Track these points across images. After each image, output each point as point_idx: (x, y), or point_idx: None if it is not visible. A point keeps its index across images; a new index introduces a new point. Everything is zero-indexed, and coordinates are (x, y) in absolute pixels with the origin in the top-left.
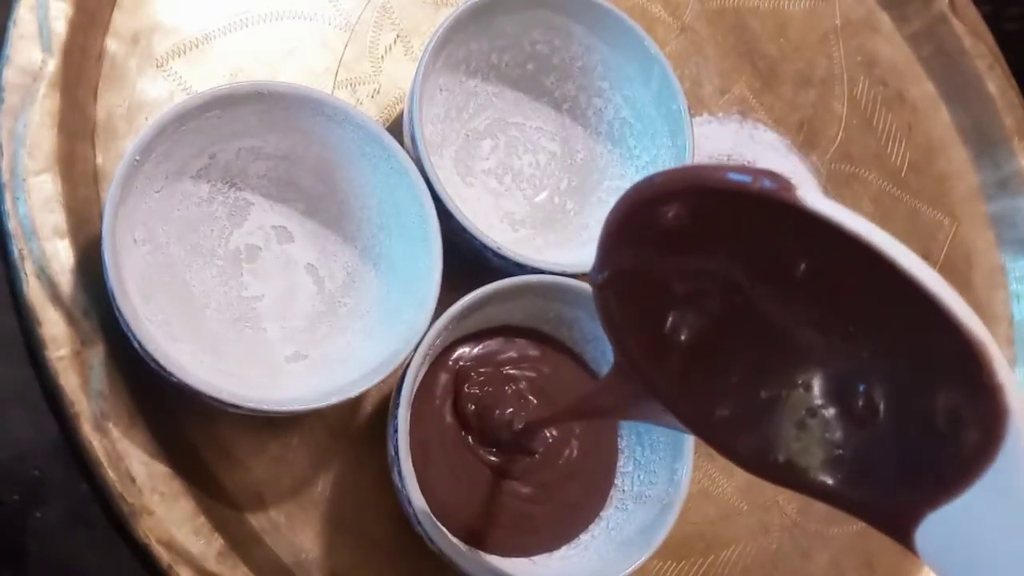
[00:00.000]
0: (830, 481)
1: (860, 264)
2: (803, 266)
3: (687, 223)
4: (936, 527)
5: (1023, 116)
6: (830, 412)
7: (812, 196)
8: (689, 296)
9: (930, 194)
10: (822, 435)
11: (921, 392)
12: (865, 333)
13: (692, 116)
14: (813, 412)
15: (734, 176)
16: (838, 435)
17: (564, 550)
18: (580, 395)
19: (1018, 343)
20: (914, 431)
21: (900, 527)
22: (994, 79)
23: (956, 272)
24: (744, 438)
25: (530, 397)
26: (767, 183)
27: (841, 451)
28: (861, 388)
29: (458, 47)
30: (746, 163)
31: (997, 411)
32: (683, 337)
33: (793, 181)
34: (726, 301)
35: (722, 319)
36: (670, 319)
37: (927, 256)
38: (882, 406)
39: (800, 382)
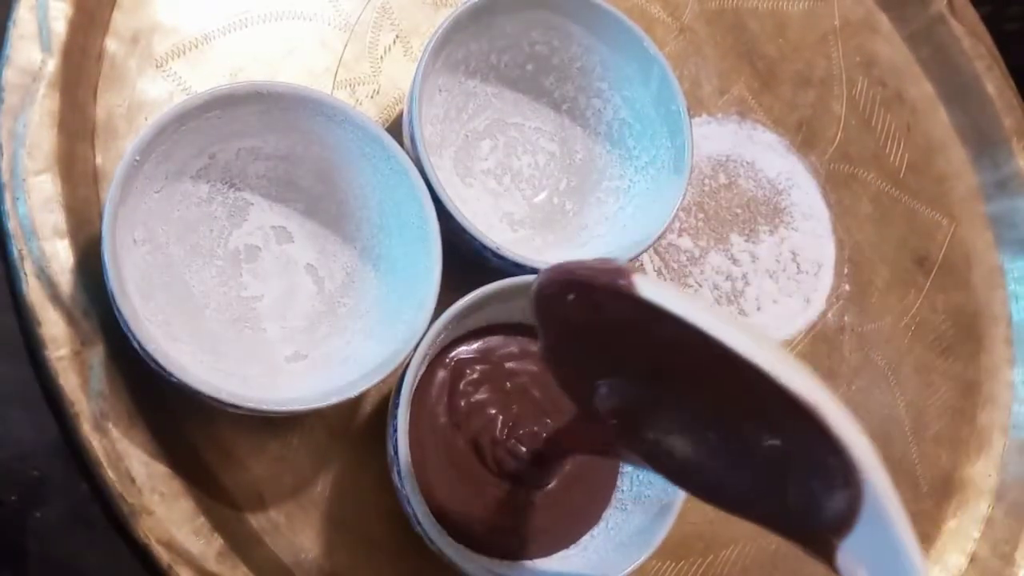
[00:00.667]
0: (762, 517)
1: (705, 343)
2: (665, 344)
3: (585, 312)
4: (847, 555)
5: (1022, 116)
6: (738, 464)
7: (645, 285)
8: (604, 369)
9: (929, 194)
10: (740, 481)
11: (796, 449)
12: (737, 402)
13: (691, 117)
14: (724, 463)
15: (583, 272)
16: (749, 481)
17: (564, 550)
18: (557, 429)
19: (1017, 343)
20: (802, 478)
21: (823, 555)
22: (993, 80)
23: (955, 272)
24: (684, 481)
25: (533, 392)
26: (608, 277)
27: (757, 494)
28: (760, 444)
29: (457, 47)
30: (744, 163)
31: (849, 464)
32: (607, 405)
33: (633, 273)
34: (629, 373)
35: (630, 388)
36: (593, 387)
37: (926, 257)
38: (774, 460)
39: (703, 438)
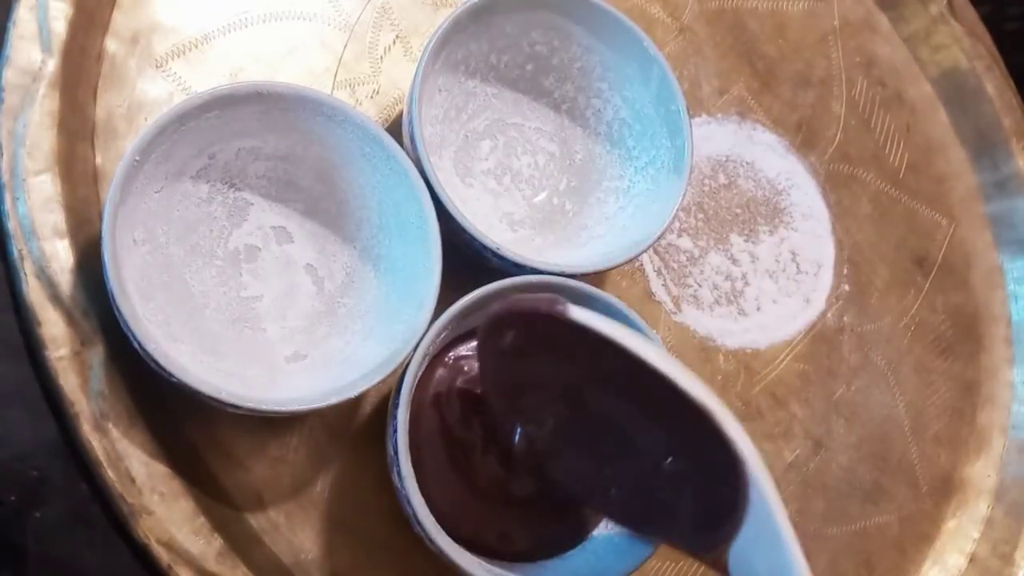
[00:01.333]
0: (663, 533)
1: (626, 360)
2: (587, 364)
3: (524, 341)
4: (737, 556)
5: (1021, 117)
6: (641, 488)
7: (574, 310)
8: (526, 411)
9: (928, 194)
10: (649, 496)
11: (691, 462)
12: (650, 412)
13: (691, 117)
14: (629, 490)
15: (525, 303)
16: (656, 495)
17: (564, 551)
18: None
19: (1016, 344)
20: (697, 490)
21: (715, 560)
22: (992, 80)
23: (954, 273)
24: (600, 503)
25: None
26: (546, 304)
27: (658, 507)
28: (666, 462)
29: (457, 48)
30: (744, 163)
31: (736, 460)
32: (520, 448)
33: (566, 303)
34: (548, 410)
35: (562, 414)
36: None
37: (925, 257)
38: (672, 477)
39: (620, 458)
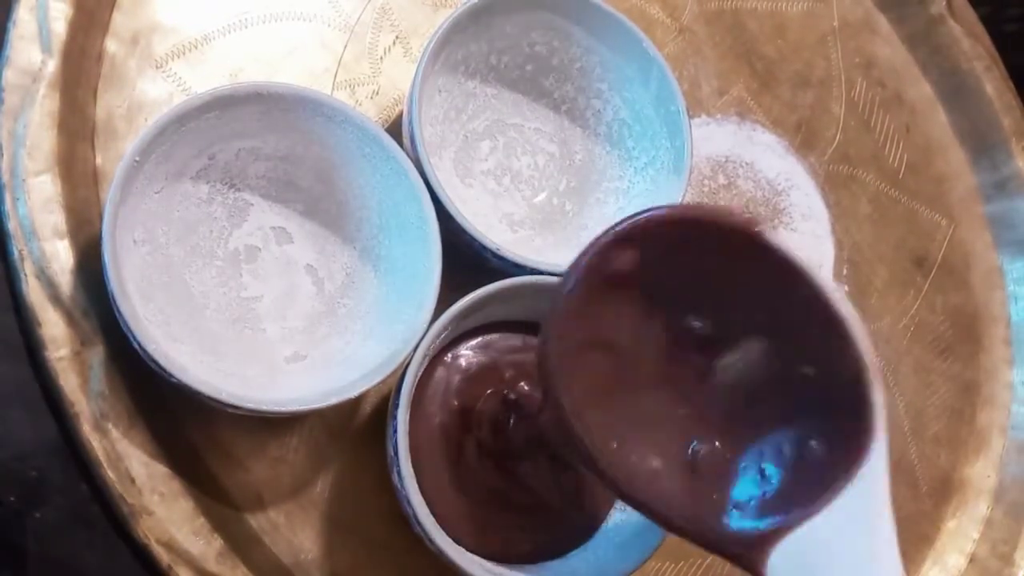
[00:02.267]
0: (696, 525)
1: (794, 297)
2: (744, 301)
3: (677, 251)
4: (785, 555)
5: (1021, 117)
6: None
7: (772, 234)
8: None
9: (928, 195)
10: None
11: (823, 421)
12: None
13: (690, 117)
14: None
15: (708, 211)
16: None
17: (564, 551)
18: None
19: (1015, 344)
20: (804, 459)
21: (753, 558)
22: (992, 80)
23: (954, 273)
24: (640, 482)
25: (534, 384)
26: (743, 219)
27: (747, 472)
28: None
29: (457, 48)
30: (743, 164)
31: (865, 431)
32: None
33: (761, 221)
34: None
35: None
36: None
37: (925, 257)
38: (788, 434)
39: (697, 438)
